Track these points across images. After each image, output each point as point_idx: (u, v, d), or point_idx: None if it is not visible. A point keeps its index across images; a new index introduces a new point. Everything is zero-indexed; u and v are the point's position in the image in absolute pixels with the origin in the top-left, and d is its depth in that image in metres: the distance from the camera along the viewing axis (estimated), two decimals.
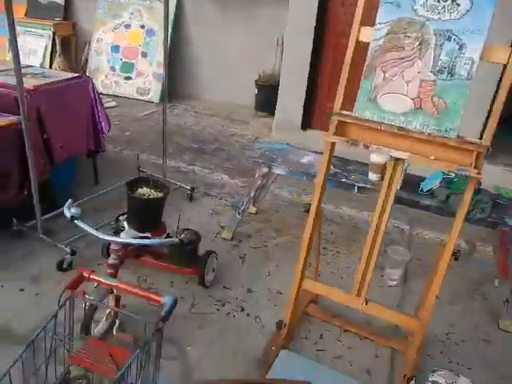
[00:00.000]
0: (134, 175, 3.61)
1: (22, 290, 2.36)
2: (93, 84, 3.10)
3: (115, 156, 4.02)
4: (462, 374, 1.84)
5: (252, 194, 2.91)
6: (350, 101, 1.80)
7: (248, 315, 2.43)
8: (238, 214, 2.96)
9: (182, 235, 2.48)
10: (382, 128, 1.72)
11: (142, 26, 5.89)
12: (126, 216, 2.42)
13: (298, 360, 2.15)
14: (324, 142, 1.89)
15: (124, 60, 5.93)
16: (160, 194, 2.09)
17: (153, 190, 2.10)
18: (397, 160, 1.82)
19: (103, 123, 3.11)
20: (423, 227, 3.44)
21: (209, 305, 2.45)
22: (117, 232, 2.48)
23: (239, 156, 4.43)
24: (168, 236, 2.33)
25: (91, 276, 1.49)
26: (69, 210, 1.88)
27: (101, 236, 1.90)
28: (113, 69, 5.97)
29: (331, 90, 4.64)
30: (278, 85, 4.92)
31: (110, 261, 2.00)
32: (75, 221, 1.87)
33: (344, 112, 1.80)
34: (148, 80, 5.82)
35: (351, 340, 2.35)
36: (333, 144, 1.89)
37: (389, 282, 2.84)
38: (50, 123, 2.68)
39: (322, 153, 3.09)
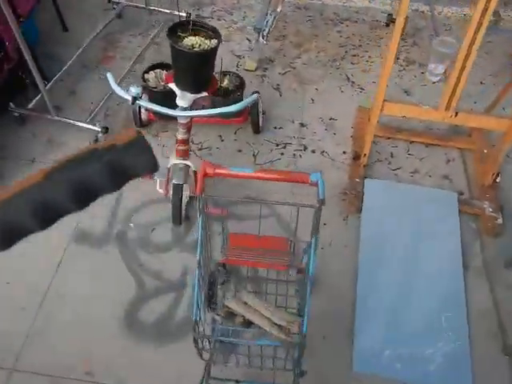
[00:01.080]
0: (103, 9, 2.90)
1: None
2: None
3: None
4: None
5: (279, 9, 2.40)
6: None
7: (313, 152, 2.27)
8: (263, 37, 2.49)
9: (226, 81, 2.12)
10: None
11: None
12: (156, 72, 1.98)
13: (386, 186, 2.11)
14: None
15: None
16: (214, 42, 1.63)
17: (203, 39, 1.63)
18: None
19: None
20: (443, 3, 3.12)
21: (270, 151, 2.25)
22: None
23: None
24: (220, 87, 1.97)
25: (217, 171, 1.21)
26: (123, 91, 1.44)
27: (182, 114, 1.53)
28: None
29: None
30: None
31: (180, 136, 1.67)
32: (138, 101, 1.45)
33: None
34: None
35: (419, 151, 2.31)
36: None
37: (432, 78, 2.68)
38: None
39: None
